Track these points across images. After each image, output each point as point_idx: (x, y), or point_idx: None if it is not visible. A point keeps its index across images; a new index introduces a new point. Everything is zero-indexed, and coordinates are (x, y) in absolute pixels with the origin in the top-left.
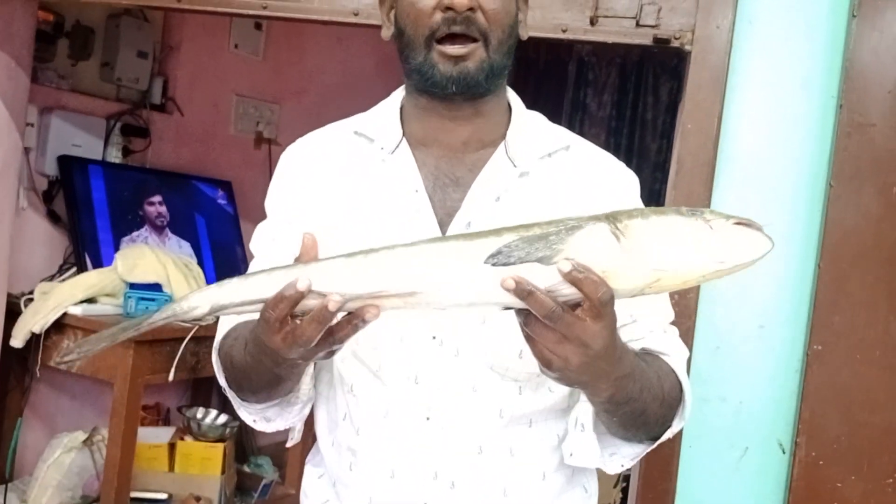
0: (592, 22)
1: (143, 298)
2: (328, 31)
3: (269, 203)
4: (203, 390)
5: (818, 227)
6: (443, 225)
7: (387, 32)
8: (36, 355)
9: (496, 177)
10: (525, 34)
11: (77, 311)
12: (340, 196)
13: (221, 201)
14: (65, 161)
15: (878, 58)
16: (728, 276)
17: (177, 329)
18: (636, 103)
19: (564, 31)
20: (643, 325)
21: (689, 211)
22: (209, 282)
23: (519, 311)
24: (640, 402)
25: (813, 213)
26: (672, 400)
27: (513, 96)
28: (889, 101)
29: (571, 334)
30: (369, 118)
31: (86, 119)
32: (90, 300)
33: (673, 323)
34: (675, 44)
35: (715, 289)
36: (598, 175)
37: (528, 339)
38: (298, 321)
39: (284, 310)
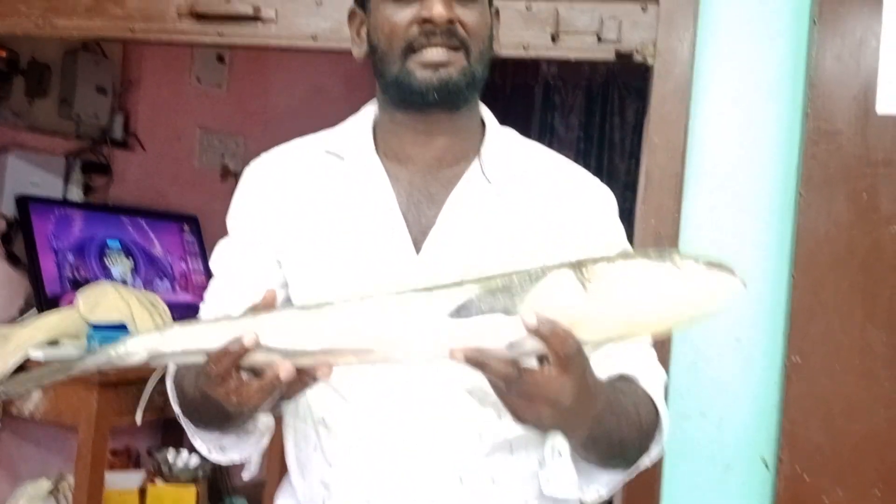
0: (554, 39)
1: (106, 339)
2: (291, 59)
3: (232, 221)
4: (174, 431)
5: (790, 236)
6: (417, 243)
7: (358, 51)
8: None
9: (471, 193)
10: (499, 48)
11: (39, 354)
12: (310, 215)
13: (187, 236)
14: (23, 201)
15: (842, 63)
16: (701, 321)
17: (142, 369)
18: (603, 125)
19: (526, 49)
20: (620, 347)
21: (656, 254)
22: (175, 319)
23: None
24: (617, 434)
25: (784, 222)
26: (649, 427)
27: (486, 111)
28: (854, 107)
29: (538, 393)
30: (339, 134)
31: (44, 157)
32: (52, 343)
33: (652, 345)
34: (638, 58)
35: None
36: (573, 192)
37: (498, 395)
38: (244, 376)
39: (227, 365)
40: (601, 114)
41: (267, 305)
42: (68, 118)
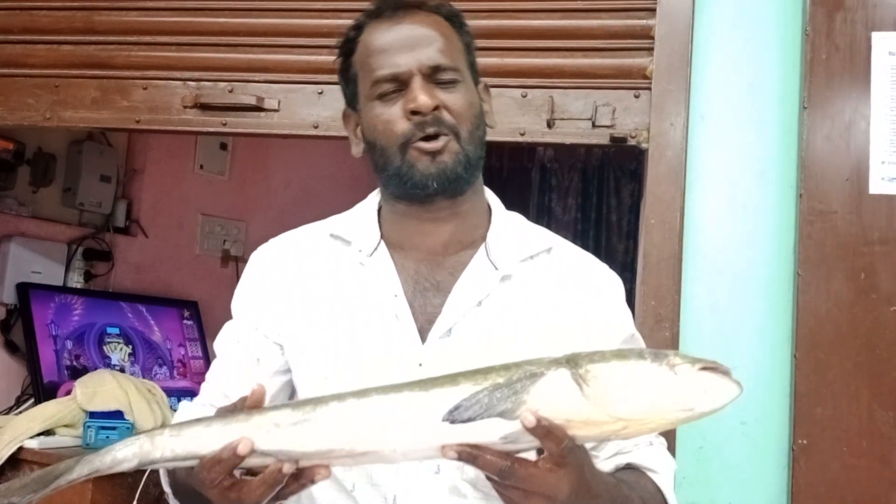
0: (549, 125)
1: (103, 427)
2: (292, 146)
3: (236, 305)
4: None
5: (790, 316)
6: (423, 332)
7: (357, 150)
8: None
9: (477, 280)
10: (493, 122)
11: (33, 444)
12: (314, 301)
13: (187, 322)
14: (23, 288)
15: (833, 145)
16: (697, 420)
17: None
18: (600, 206)
19: (523, 135)
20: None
21: (652, 355)
22: (173, 406)
23: None
24: None
25: (784, 302)
26: None
27: (492, 197)
28: (847, 188)
29: (533, 487)
30: (346, 220)
31: (46, 245)
32: (48, 432)
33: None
34: (632, 142)
35: None
36: (580, 278)
37: (495, 488)
38: (237, 473)
39: (221, 473)
40: (598, 195)
41: (255, 403)
42: (72, 206)
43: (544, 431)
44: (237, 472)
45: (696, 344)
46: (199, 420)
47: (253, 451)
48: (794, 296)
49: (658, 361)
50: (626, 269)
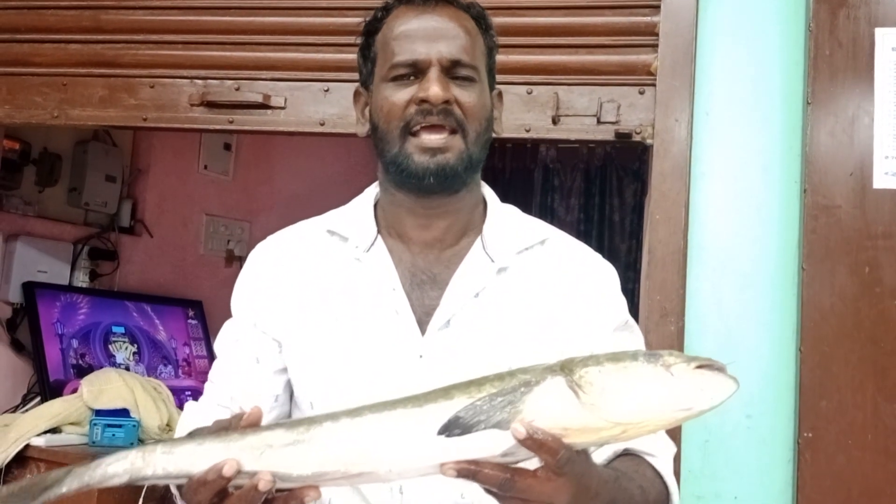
0: (554, 121)
1: (109, 425)
2: (295, 145)
3: (235, 302)
4: None
5: (795, 311)
6: (421, 323)
7: (361, 129)
8: None
9: (474, 273)
10: (501, 130)
11: (40, 441)
12: (312, 298)
13: (192, 321)
14: (29, 287)
15: (836, 140)
16: (695, 418)
17: None
18: (602, 206)
19: (528, 131)
20: None
21: (646, 356)
22: (178, 405)
23: None
24: None
25: (788, 296)
26: None
27: (487, 190)
28: (851, 182)
29: (533, 497)
30: (342, 216)
31: (52, 244)
32: (54, 430)
33: None
34: (637, 138)
35: None
36: (575, 268)
37: (497, 499)
38: (230, 488)
39: (207, 494)
40: (600, 195)
41: (251, 423)
42: (77, 206)
43: (537, 444)
44: (230, 488)
45: (702, 338)
46: (192, 438)
47: (240, 473)
48: (799, 290)
49: (653, 362)
50: (629, 268)
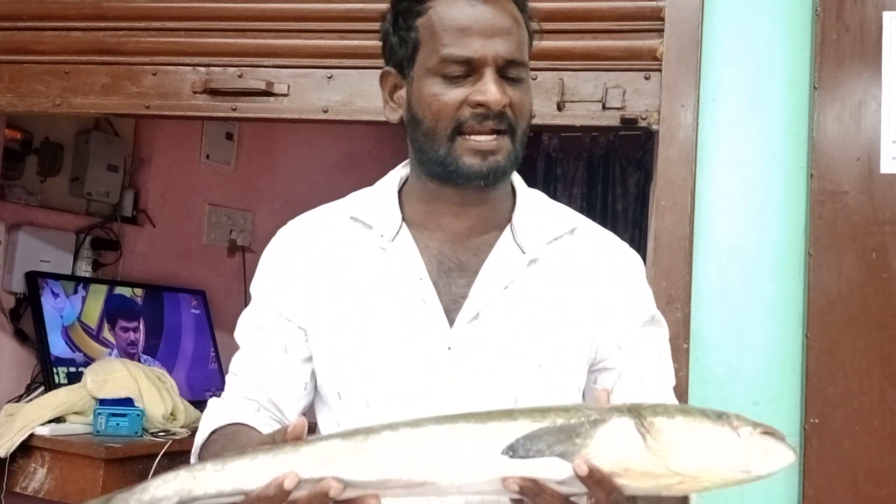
0: (560, 107)
1: (113, 414)
2: (297, 134)
3: (256, 288)
4: None
5: (801, 297)
6: (448, 312)
7: (393, 115)
8: (0, 481)
9: (504, 264)
10: (533, 116)
11: (44, 431)
12: (337, 286)
13: (195, 311)
14: (32, 277)
15: (843, 125)
16: (749, 483)
17: (149, 444)
18: (605, 195)
19: (533, 117)
20: (648, 392)
21: (715, 415)
22: (183, 395)
23: None
24: None
25: (795, 283)
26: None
27: (515, 176)
28: (858, 168)
29: None
30: (366, 202)
31: (55, 234)
32: (58, 419)
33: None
34: (643, 124)
35: (705, 367)
36: (603, 259)
37: None
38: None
39: None
40: (603, 184)
41: (297, 436)
42: (79, 195)
43: (596, 480)
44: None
45: (708, 325)
46: (242, 453)
47: (300, 484)
48: (805, 276)
49: (721, 423)
50: None
